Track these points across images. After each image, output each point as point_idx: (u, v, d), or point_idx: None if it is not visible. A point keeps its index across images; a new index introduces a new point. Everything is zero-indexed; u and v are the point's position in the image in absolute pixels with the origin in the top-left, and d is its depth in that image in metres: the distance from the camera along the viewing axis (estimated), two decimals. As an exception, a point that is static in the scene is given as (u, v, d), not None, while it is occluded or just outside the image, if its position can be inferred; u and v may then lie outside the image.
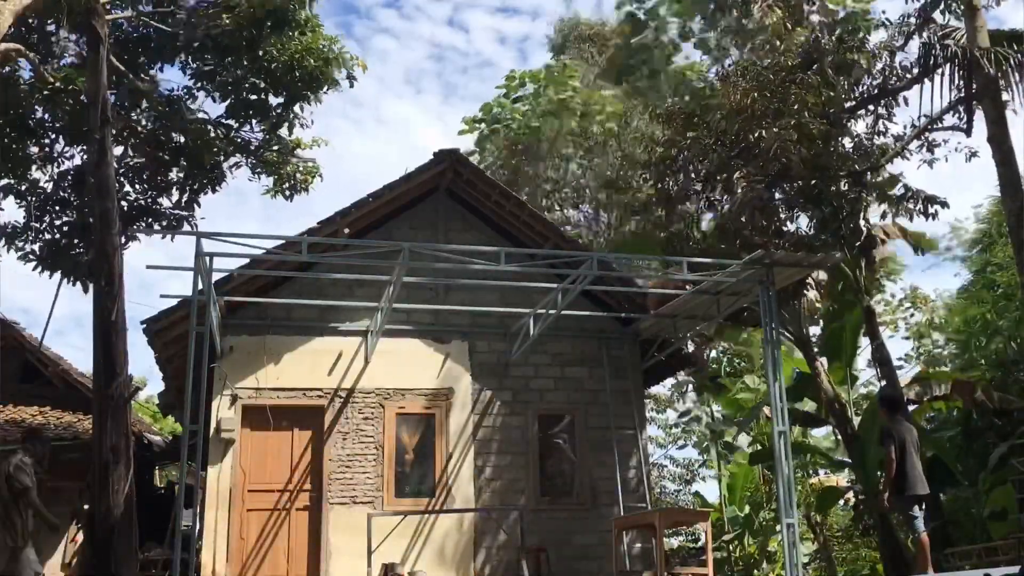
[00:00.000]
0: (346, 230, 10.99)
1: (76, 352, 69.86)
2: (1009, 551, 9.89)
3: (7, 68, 10.81)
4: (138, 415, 18.97)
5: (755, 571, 18.31)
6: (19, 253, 11.77)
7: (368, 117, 70.05)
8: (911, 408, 13.75)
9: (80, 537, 13.74)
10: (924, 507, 8.44)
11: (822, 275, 13.64)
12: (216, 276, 9.62)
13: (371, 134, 68.87)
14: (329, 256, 10.16)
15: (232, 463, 10.85)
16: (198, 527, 11.80)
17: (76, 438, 13.27)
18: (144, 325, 10.61)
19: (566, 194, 22.21)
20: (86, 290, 11.14)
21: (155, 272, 44.28)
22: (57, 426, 13.93)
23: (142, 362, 71.07)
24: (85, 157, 11.18)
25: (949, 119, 12.76)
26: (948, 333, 19.55)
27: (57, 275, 11.87)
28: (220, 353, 11.00)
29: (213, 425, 10.71)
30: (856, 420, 14.56)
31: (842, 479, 18.43)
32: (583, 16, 25.55)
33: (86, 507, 9.95)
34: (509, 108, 22.15)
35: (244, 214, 70.92)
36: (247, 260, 9.97)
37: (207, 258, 8.71)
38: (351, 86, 11.89)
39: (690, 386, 22.62)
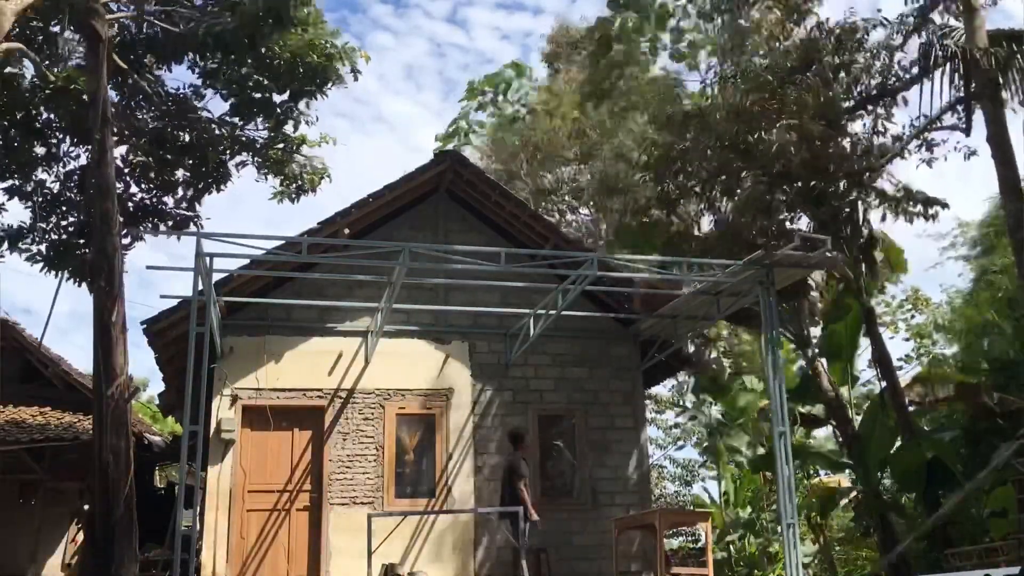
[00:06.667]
0: (346, 230, 11.00)
1: (77, 352, 69.96)
2: (1009, 551, 9.87)
3: (9, 68, 10.80)
4: (138, 415, 18.97)
5: (756, 572, 18.30)
6: (26, 254, 11.75)
7: (367, 115, 70.08)
8: (911, 409, 13.76)
9: (80, 537, 13.76)
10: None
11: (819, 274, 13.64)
12: (216, 276, 9.64)
13: (370, 132, 68.90)
14: (329, 257, 10.16)
15: (232, 463, 10.85)
16: (198, 527, 11.81)
17: (76, 438, 13.26)
18: (144, 325, 10.62)
19: (563, 197, 22.21)
20: (91, 290, 11.15)
21: (155, 272, 44.42)
22: (57, 426, 13.93)
23: (142, 362, 71.22)
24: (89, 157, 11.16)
25: (949, 119, 12.78)
26: (950, 336, 19.51)
27: (57, 275, 11.86)
28: (220, 353, 11.00)
29: (213, 425, 10.72)
30: (856, 420, 14.56)
31: (843, 480, 18.41)
32: (575, 23, 25.62)
33: (86, 507, 9.95)
34: (471, 121, 22.24)
35: (244, 216, 70.99)
36: (247, 260, 9.98)
37: (207, 258, 8.72)
38: (355, 79, 11.89)
39: (689, 387, 22.62)
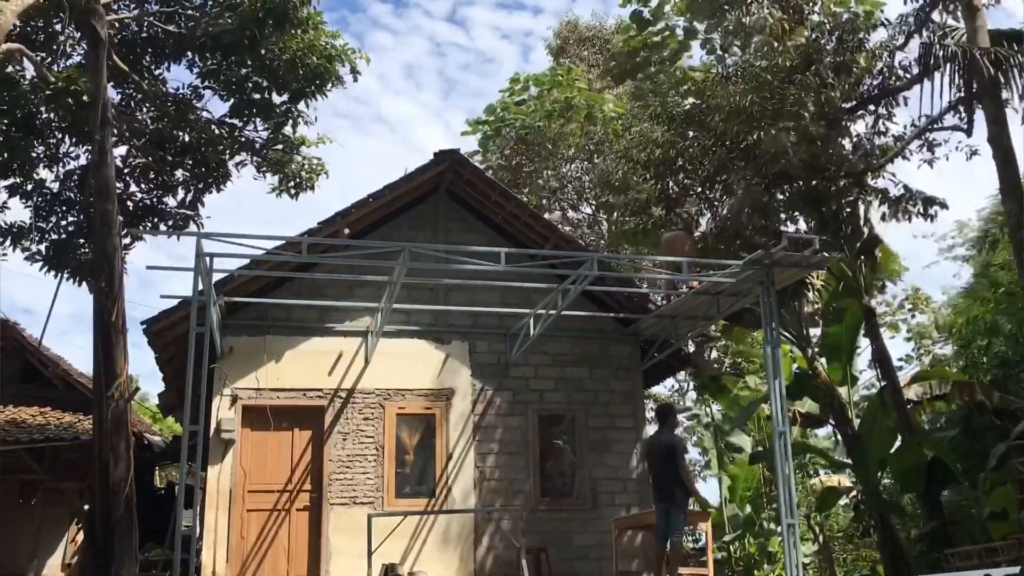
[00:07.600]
0: (346, 230, 11.00)
1: (77, 352, 69.98)
2: (1009, 551, 9.86)
3: (10, 68, 10.79)
4: (138, 415, 18.97)
5: (755, 571, 18.28)
6: (26, 253, 11.75)
7: (367, 115, 70.08)
8: (910, 408, 13.75)
9: (80, 537, 13.76)
10: (667, 515, 9.02)
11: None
12: (217, 276, 9.63)
13: (370, 132, 68.90)
14: (329, 256, 10.17)
15: (232, 463, 10.85)
16: (198, 527, 11.80)
17: (76, 438, 13.26)
18: (144, 325, 10.62)
19: (567, 195, 22.20)
20: (91, 290, 11.14)
21: (155, 272, 44.42)
22: (57, 426, 13.92)
23: (142, 362, 71.24)
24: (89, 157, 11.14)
25: (949, 119, 12.78)
26: (951, 336, 19.49)
27: (57, 275, 11.84)
28: (220, 353, 11.00)
29: (213, 425, 10.72)
30: (856, 420, 14.55)
31: (843, 479, 18.42)
32: (582, 19, 25.59)
33: (86, 507, 9.94)
34: (513, 110, 22.08)
35: (246, 214, 70.99)
36: (248, 260, 9.97)
37: (207, 258, 8.72)
38: (355, 80, 11.89)
39: (690, 386, 22.62)
